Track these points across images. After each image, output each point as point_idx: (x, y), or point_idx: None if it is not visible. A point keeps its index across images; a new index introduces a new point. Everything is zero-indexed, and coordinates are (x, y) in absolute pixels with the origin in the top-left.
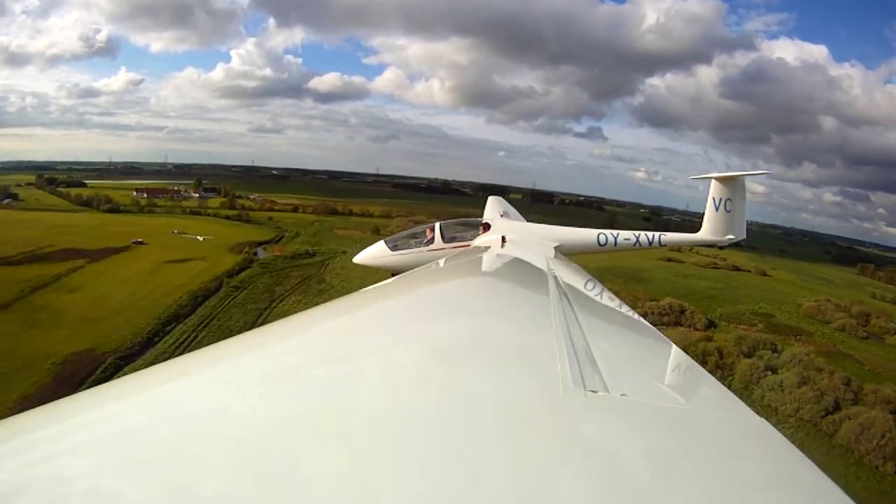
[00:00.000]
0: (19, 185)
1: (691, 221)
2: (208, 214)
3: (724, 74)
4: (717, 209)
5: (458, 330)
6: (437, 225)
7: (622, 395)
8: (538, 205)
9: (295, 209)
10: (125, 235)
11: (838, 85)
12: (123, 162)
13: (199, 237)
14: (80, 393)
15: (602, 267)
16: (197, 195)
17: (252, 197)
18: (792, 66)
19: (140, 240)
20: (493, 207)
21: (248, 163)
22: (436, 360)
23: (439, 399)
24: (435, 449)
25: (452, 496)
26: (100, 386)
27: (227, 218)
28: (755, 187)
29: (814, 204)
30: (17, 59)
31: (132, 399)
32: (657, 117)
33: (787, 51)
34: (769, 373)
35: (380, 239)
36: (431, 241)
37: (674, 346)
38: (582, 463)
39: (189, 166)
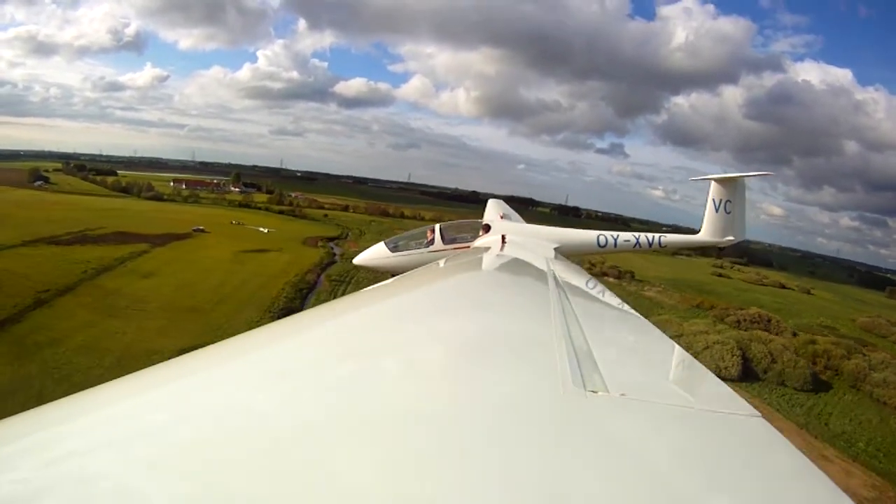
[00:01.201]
0: (47, 171)
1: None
2: (258, 208)
3: (748, 95)
4: (716, 210)
5: (460, 330)
6: (437, 226)
7: (622, 394)
8: (566, 218)
9: (345, 208)
10: (180, 223)
11: (862, 109)
12: (148, 157)
13: (262, 229)
14: (100, 386)
15: (669, 279)
16: (238, 189)
17: (293, 195)
18: (817, 88)
19: (201, 227)
20: (493, 210)
21: (265, 163)
22: (446, 357)
23: (451, 396)
24: (447, 446)
25: (465, 494)
26: (120, 379)
27: (280, 213)
28: (773, 209)
29: (830, 228)
30: (44, 49)
31: (153, 394)
32: (680, 136)
33: (813, 73)
34: (872, 372)
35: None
36: (432, 242)
37: (676, 345)
38: (589, 459)
39: (212, 164)
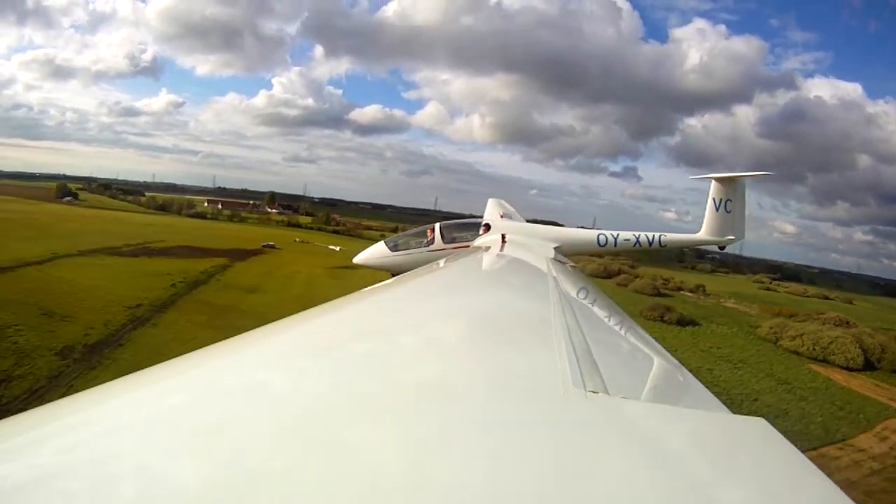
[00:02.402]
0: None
1: (734, 260)
2: (310, 228)
3: (761, 114)
4: (717, 210)
5: (461, 329)
6: (437, 225)
7: (622, 396)
8: None
9: (394, 230)
10: (242, 240)
11: (874, 122)
12: (163, 182)
13: (333, 247)
14: (119, 379)
15: (731, 293)
16: (276, 210)
17: (335, 216)
18: (829, 103)
19: (271, 244)
20: (494, 209)
21: (280, 190)
22: (447, 360)
23: (450, 399)
24: (454, 435)
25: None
26: (139, 371)
27: (335, 233)
28: (785, 227)
29: (843, 244)
30: (61, 73)
31: (171, 381)
32: (693, 157)
33: (823, 89)
34: None
35: None
36: (432, 241)
37: (664, 349)
38: (583, 463)
39: (229, 190)
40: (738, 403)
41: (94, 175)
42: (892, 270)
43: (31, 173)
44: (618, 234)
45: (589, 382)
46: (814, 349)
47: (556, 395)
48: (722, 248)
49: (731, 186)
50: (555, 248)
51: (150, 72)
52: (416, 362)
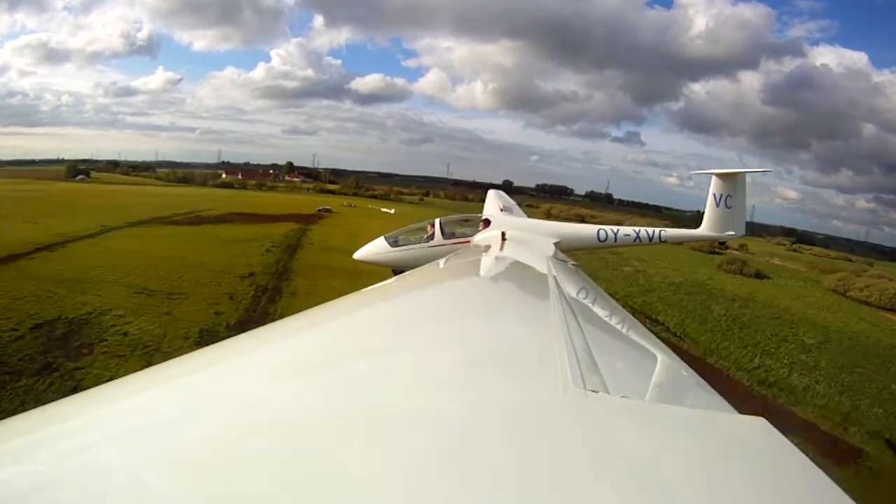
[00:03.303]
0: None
1: (748, 224)
2: (344, 194)
3: (767, 80)
4: (717, 205)
5: (461, 331)
6: (437, 221)
7: (622, 396)
8: (600, 203)
9: (426, 194)
10: (290, 206)
11: (880, 91)
12: (167, 161)
13: (388, 210)
14: (112, 382)
15: (759, 251)
16: (299, 179)
17: (363, 183)
18: (835, 72)
19: (328, 207)
20: (494, 202)
21: (281, 161)
22: (449, 360)
23: (455, 398)
24: (453, 447)
25: (474, 493)
26: (132, 375)
27: (373, 198)
28: (788, 193)
29: (846, 210)
30: (56, 56)
31: (164, 389)
32: (696, 122)
33: (829, 57)
34: None
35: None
36: (431, 237)
37: (667, 349)
38: (588, 465)
39: (230, 164)
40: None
41: (95, 157)
42: (893, 238)
43: (30, 160)
44: (618, 230)
45: (589, 382)
46: (881, 299)
47: (555, 396)
48: (722, 243)
49: (731, 182)
50: (555, 244)
51: (147, 50)
52: (413, 366)
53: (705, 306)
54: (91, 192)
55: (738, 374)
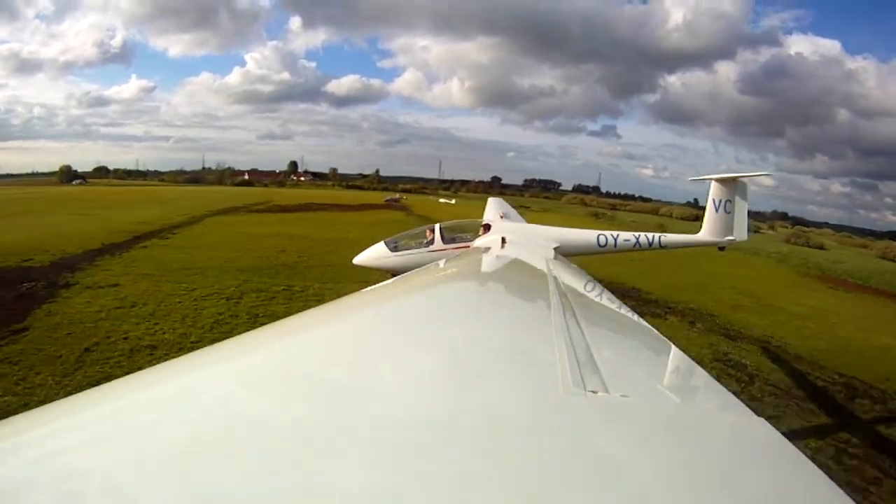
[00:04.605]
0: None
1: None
2: (371, 189)
3: (743, 70)
4: (717, 210)
5: (461, 332)
6: (436, 226)
7: (623, 396)
8: (587, 196)
9: (447, 188)
10: (351, 198)
11: (854, 77)
12: (147, 169)
13: (447, 200)
14: (93, 388)
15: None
16: (306, 178)
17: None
18: (810, 60)
19: (395, 197)
20: (493, 209)
21: (260, 167)
22: (444, 364)
23: (449, 401)
24: (445, 451)
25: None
26: (113, 381)
27: (407, 191)
28: (764, 180)
29: (821, 196)
30: (27, 67)
31: (143, 394)
32: (672, 114)
33: (803, 45)
34: None
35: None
36: (431, 242)
37: (674, 347)
38: (585, 469)
39: (210, 170)
40: None
41: (73, 168)
42: (868, 220)
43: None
44: (618, 235)
45: (589, 382)
46: None
47: (555, 396)
48: (721, 249)
49: (731, 187)
50: (555, 249)
51: (121, 57)
52: (409, 360)
53: None
54: (106, 193)
55: None
